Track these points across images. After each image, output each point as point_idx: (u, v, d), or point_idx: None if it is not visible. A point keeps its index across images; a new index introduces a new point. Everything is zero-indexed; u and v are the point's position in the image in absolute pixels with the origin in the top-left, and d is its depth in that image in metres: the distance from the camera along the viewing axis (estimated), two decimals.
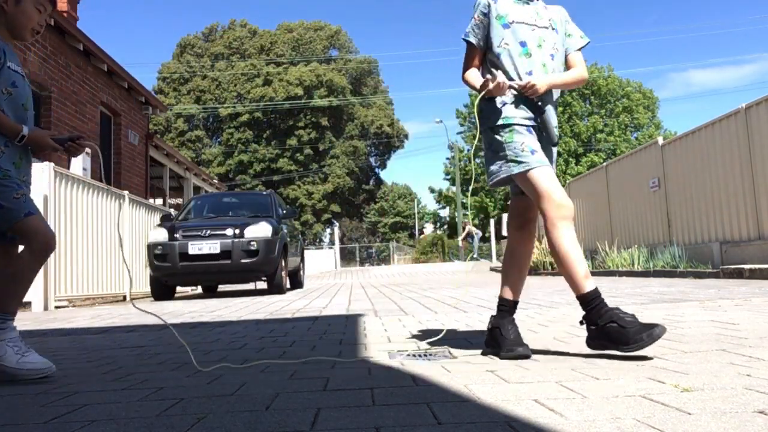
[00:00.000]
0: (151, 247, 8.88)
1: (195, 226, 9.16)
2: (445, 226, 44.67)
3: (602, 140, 39.40)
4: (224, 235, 8.86)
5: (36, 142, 2.38)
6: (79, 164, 10.76)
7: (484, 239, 34.13)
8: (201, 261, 8.77)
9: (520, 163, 2.36)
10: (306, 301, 6.95)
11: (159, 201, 18.29)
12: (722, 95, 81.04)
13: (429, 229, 54.21)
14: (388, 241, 52.58)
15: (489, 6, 2.51)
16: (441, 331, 3.09)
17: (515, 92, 2.42)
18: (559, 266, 2.30)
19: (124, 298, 9.58)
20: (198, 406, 1.74)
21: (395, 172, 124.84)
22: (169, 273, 8.88)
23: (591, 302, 2.25)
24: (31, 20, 2.45)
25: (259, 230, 8.94)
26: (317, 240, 53.11)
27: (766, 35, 76.13)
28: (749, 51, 78.92)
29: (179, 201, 20.40)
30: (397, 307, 5.48)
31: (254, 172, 48.46)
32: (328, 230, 53.59)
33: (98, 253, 8.81)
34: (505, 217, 20.67)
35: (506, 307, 2.60)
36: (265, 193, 11.35)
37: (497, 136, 2.43)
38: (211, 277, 9.42)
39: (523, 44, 2.45)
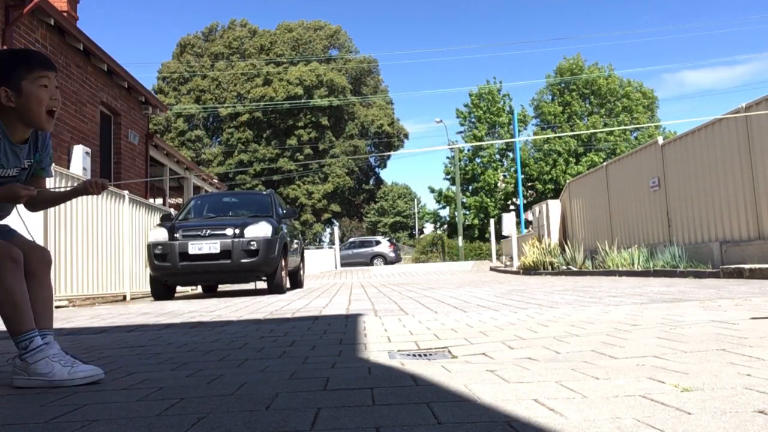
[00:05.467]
0: (151, 247, 8.88)
1: (195, 226, 9.16)
2: (445, 226, 44.63)
3: (602, 140, 39.40)
4: (224, 234, 8.85)
5: (5, 197, 2.32)
6: (79, 164, 10.77)
7: (485, 239, 34.09)
8: (201, 261, 8.77)
9: None
10: (306, 301, 6.95)
11: (159, 201, 18.30)
12: (716, 96, 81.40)
13: (429, 228, 54.19)
14: None
15: None
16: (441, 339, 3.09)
17: None
18: None
19: (124, 297, 9.58)
20: (198, 406, 1.74)
21: (395, 171, 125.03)
22: (169, 273, 8.88)
23: None
24: (42, 102, 2.25)
25: (259, 230, 8.94)
26: (317, 240, 53.13)
27: (759, 36, 76.39)
28: (742, 52, 79.24)
29: (179, 201, 20.40)
30: (397, 306, 5.48)
31: (254, 171, 48.46)
32: (328, 230, 53.62)
33: (98, 253, 8.81)
34: (505, 216, 20.66)
35: None
36: (265, 192, 11.34)
37: None
38: (211, 277, 9.42)
39: None
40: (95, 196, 8.58)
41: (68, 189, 2.64)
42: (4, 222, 2.50)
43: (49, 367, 2.14)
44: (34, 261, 2.36)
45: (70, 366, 2.16)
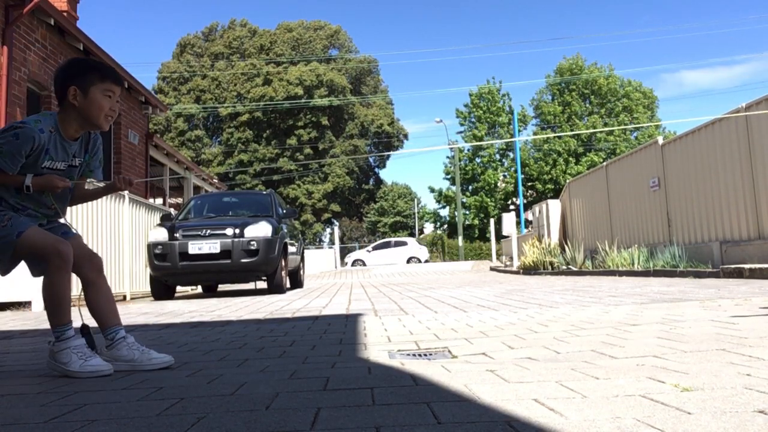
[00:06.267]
0: (151, 247, 8.88)
1: (195, 226, 9.16)
2: (445, 226, 44.64)
3: (602, 140, 39.41)
4: (224, 234, 8.85)
5: (42, 186, 2.45)
6: None
7: (485, 239, 34.08)
8: (201, 261, 8.77)
9: None
10: (306, 301, 6.95)
11: (159, 201, 18.29)
12: (715, 96, 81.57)
13: (429, 228, 54.19)
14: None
15: None
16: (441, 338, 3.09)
17: None
18: None
19: (124, 297, 9.58)
20: (198, 405, 1.74)
21: (395, 171, 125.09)
22: (169, 273, 8.87)
23: None
24: (102, 108, 2.46)
25: (259, 230, 8.94)
26: (317, 240, 53.13)
27: (759, 36, 76.50)
28: (741, 52, 79.29)
29: (179, 201, 20.40)
30: (397, 306, 5.48)
31: (254, 171, 48.46)
32: (328, 230, 53.62)
33: (98, 253, 8.79)
34: (505, 216, 20.65)
35: None
36: (265, 192, 11.34)
37: None
38: (211, 277, 9.42)
39: None
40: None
41: (101, 186, 2.78)
42: (62, 221, 2.69)
43: (68, 357, 2.37)
44: (88, 270, 2.61)
45: (83, 360, 2.37)
